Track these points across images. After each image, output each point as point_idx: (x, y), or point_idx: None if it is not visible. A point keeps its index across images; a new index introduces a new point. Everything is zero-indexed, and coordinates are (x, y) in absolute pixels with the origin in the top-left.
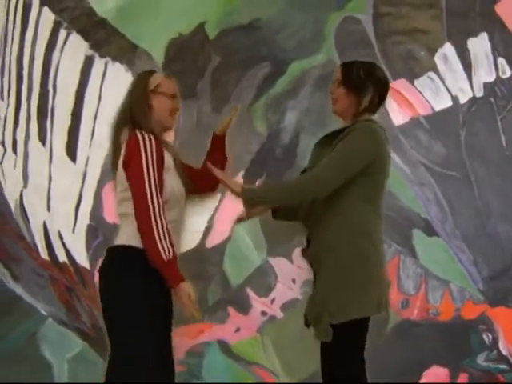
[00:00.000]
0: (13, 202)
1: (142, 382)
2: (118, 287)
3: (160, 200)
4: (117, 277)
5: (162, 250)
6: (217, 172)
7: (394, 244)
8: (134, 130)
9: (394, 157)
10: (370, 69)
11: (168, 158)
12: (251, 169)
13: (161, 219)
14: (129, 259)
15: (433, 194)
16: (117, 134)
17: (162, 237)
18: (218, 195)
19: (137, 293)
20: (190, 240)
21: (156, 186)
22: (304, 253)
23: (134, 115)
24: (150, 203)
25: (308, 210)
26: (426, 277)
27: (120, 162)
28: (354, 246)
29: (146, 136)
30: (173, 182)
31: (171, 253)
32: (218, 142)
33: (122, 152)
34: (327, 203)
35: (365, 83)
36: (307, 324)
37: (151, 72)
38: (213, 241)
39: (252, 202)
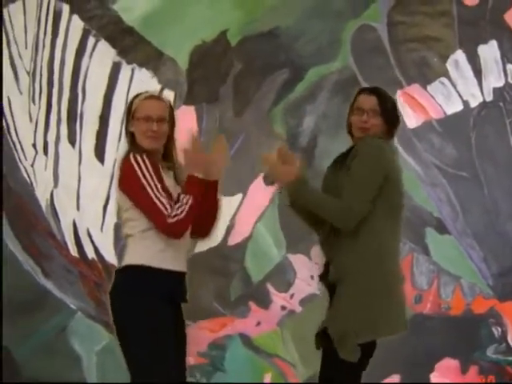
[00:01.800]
0: (44, 202)
1: None
2: (131, 308)
3: (164, 195)
4: (129, 298)
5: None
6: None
7: (408, 242)
8: (128, 153)
9: (408, 158)
10: (394, 100)
11: (166, 179)
12: None
13: (162, 196)
14: (139, 279)
15: (445, 194)
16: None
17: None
18: (240, 195)
19: (151, 313)
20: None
21: (156, 186)
22: (322, 277)
23: (127, 141)
24: (155, 199)
25: (327, 234)
26: (438, 273)
27: (115, 185)
28: (377, 265)
29: (138, 155)
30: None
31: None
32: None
33: (116, 174)
34: None
35: (397, 116)
36: (318, 346)
37: (135, 96)
38: (235, 239)
39: (296, 192)
